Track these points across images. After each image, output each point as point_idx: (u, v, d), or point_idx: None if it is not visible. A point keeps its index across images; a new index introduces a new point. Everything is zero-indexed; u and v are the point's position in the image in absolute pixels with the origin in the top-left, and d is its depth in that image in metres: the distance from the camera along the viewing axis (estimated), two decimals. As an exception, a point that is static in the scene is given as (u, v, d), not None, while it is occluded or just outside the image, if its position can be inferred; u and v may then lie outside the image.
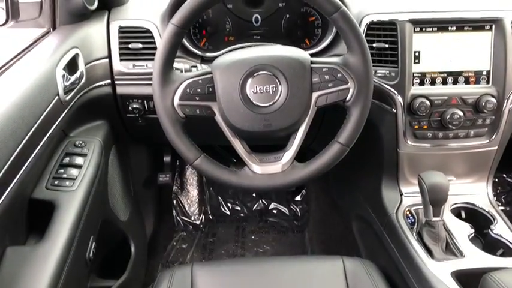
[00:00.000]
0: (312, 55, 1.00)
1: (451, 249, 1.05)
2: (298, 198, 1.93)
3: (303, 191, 1.92)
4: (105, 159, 1.19)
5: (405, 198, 1.21)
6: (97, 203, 1.07)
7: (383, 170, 1.24)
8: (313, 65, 0.93)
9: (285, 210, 1.92)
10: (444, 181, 1.04)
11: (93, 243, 1.05)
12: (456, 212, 1.20)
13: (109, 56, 1.17)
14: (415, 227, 1.12)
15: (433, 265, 0.99)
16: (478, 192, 1.24)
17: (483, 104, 1.13)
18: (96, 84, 1.16)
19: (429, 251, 1.04)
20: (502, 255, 1.06)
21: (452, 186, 1.21)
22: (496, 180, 1.98)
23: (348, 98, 0.94)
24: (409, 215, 1.16)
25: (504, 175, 2.00)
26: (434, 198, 1.04)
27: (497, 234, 1.11)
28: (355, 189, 1.44)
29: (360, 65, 0.92)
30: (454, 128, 1.14)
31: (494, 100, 1.13)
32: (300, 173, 0.95)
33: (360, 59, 0.92)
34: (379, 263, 1.08)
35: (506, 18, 1.12)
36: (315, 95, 0.93)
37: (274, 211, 1.93)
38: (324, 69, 0.93)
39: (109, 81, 1.18)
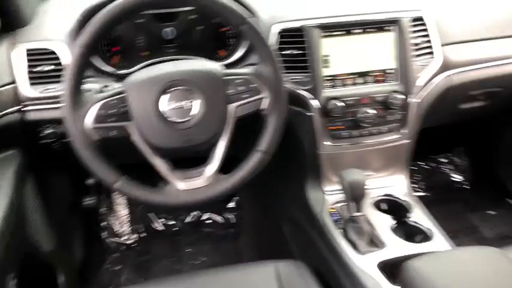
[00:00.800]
0: (227, 66, 1.01)
1: (375, 242, 1.10)
2: (231, 205, 1.94)
3: (236, 198, 1.93)
4: (20, 191, 1.13)
5: (328, 196, 1.25)
6: (13, 238, 1.01)
7: (306, 171, 1.28)
8: (226, 77, 0.95)
9: (219, 219, 1.92)
10: (361, 177, 1.09)
11: (14, 281, 0.99)
12: (377, 205, 1.26)
13: (15, 81, 1.10)
14: (340, 223, 1.16)
15: (358, 259, 1.03)
16: (397, 183, 1.31)
17: (391, 101, 1.19)
18: (3, 113, 1.10)
19: (355, 246, 1.08)
20: (421, 241, 1.13)
21: (372, 180, 1.29)
22: (416, 168, 2.11)
23: (264, 107, 0.96)
24: (334, 213, 1.20)
25: (421, 163, 2.13)
26: (354, 195, 1.09)
27: (414, 222, 1.18)
28: (283, 192, 1.47)
29: (272, 74, 0.95)
30: (367, 125, 1.20)
31: (401, 96, 1.20)
32: (225, 185, 0.96)
33: (271, 69, 0.94)
34: (312, 264, 1.11)
35: (404, 19, 1.20)
36: (231, 106, 0.95)
37: (209, 221, 1.92)
38: (237, 81, 0.95)
39: (17, 107, 1.11)
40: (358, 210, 1.10)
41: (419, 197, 1.95)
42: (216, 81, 0.93)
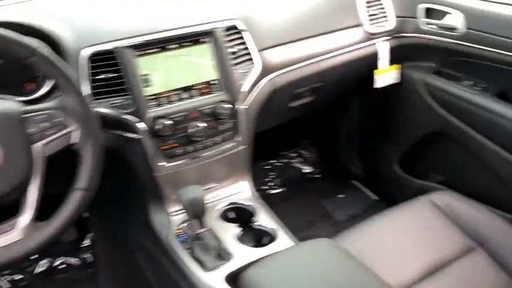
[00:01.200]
0: (35, 100, 0.91)
1: (223, 255, 1.09)
2: (86, 243, 1.80)
3: (90, 234, 1.80)
4: None
5: (174, 217, 1.22)
6: None
7: (147, 196, 1.23)
8: (25, 115, 0.85)
9: (74, 261, 1.77)
10: (198, 193, 1.08)
11: None
12: (225, 215, 1.26)
13: None
14: (186, 243, 1.13)
15: (206, 277, 1.02)
16: (241, 190, 1.32)
17: (219, 111, 1.19)
18: None
19: (202, 263, 1.06)
20: (268, 243, 1.16)
21: (216, 191, 1.29)
22: (269, 167, 2.18)
23: (75, 141, 0.89)
24: (181, 234, 1.17)
25: (273, 161, 2.21)
26: (194, 212, 1.07)
27: (259, 225, 1.20)
28: (130, 220, 1.40)
29: (77, 105, 0.88)
30: (200, 139, 1.19)
31: (228, 105, 1.21)
32: (45, 233, 0.87)
33: (75, 99, 0.87)
34: None
35: (217, 29, 1.21)
36: (36, 146, 0.86)
37: (63, 266, 1.76)
38: (39, 117, 0.86)
39: None
40: (202, 226, 1.08)
41: (276, 194, 2.07)
42: (11, 122, 0.83)
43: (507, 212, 1.44)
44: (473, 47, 1.41)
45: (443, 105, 1.52)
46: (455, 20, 1.44)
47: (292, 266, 0.84)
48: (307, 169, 2.22)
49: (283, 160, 2.24)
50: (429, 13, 1.54)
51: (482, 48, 1.39)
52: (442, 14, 1.49)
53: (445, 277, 1.10)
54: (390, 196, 1.86)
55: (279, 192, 2.09)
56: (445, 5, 1.47)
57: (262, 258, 0.95)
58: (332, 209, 1.99)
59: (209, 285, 0.99)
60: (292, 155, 2.26)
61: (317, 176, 2.20)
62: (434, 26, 1.52)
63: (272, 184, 2.12)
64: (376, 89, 1.66)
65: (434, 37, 1.52)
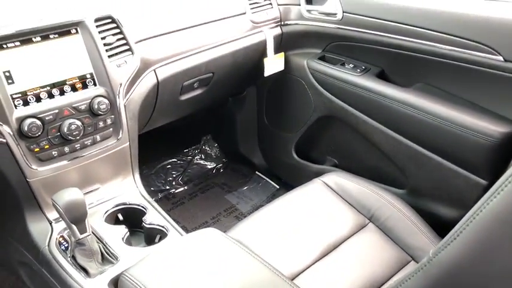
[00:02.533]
0: None
1: (108, 259, 1.02)
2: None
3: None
4: None
5: (56, 224, 1.12)
6: None
7: (22, 205, 1.12)
8: None
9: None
10: (78, 196, 0.99)
11: None
12: (114, 216, 1.19)
13: None
14: (69, 251, 1.05)
15: (89, 284, 0.94)
16: (129, 189, 1.26)
17: (96, 106, 1.12)
18: None
19: (86, 270, 0.99)
20: (159, 241, 1.11)
21: (101, 192, 1.21)
22: (170, 166, 2.12)
23: None
24: (62, 241, 1.08)
25: (175, 159, 2.15)
26: (73, 216, 0.98)
27: (151, 224, 1.14)
28: (9, 236, 1.27)
29: None
30: (77, 138, 1.11)
31: (106, 100, 1.13)
32: None
33: None
34: None
35: (87, 19, 1.13)
36: None
37: None
38: None
39: None
40: (83, 231, 1.01)
41: (180, 192, 2.02)
42: None
43: (396, 187, 1.51)
44: (351, 29, 1.46)
45: (329, 90, 1.57)
46: (333, 5, 1.49)
47: (174, 258, 0.80)
48: (210, 165, 2.18)
49: (186, 158, 2.19)
50: (310, 0, 1.57)
51: (359, 31, 1.44)
52: (322, 1, 1.53)
53: (340, 255, 1.13)
54: (291, 184, 1.89)
55: (182, 190, 2.03)
56: (324, -9, 1.51)
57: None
58: (236, 202, 1.98)
59: (92, 291, 0.92)
60: (195, 151, 2.22)
61: (220, 170, 2.18)
62: (315, 13, 1.56)
63: (174, 183, 2.06)
64: (268, 78, 1.67)
65: (316, 23, 1.56)
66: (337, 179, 1.32)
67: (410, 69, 1.43)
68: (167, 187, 2.04)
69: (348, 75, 1.49)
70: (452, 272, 0.54)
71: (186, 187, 2.06)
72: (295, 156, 1.83)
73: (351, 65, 1.53)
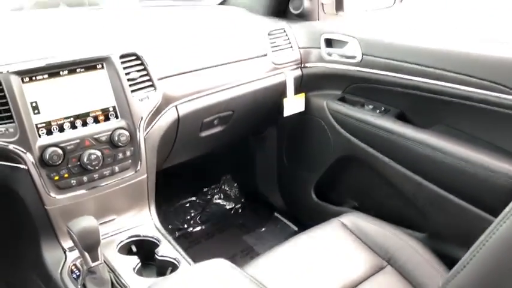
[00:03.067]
0: None
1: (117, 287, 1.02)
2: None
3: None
4: None
5: (70, 253, 1.13)
6: None
7: (38, 233, 1.14)
8: None
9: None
10: (92, 224, 1.01)
11: None
12: (127, 248, 1.19)
13: None
14: (80, 279, 1.05)
15: (97, 313, 0.94)
16: (144, 222, 1.26)
17: (116, 138, 1.15)
18: None
19: (95, 299, 0.99)
20: (170, 273, 1.10)
21: (117, 223, 1.22)
22: (188, 205, 2.13)
23: None
24: (74, 270, 1.08)
25: (193, 198, 2.16)
26: (87, 244, 0.99)
27: (162, 256, 1.14)
28: (23, 263, 1.28)
29: None
30: (96, 168, 1.13)
31: (126, 133, 1.16)
32: None
33: None
34: None
35: (113, 55, 1.18)
36: None
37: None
38: None
39: None
40: (95, 260, 1.01)
41: (197, 231, 2.01)
42: None
43: (416, 231, 1.47)
44: (370, 71, 1.48)
45: (348, 130, 1.57)
46: (353, 48, 1.52)
47: (181, 286, 0.79)
48: (228, 205, 2.18)
49: (205, 197, 2.19)
50: (331, 43, 1.61)
51: (378, 73, 1.46)
52: (342, 44, 1.57)
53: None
54: (309, 225, 1.86)
55: (200, 229, 2.03)
56: (344, 35, 1.54)
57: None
58: (253, 243, 1.95)
59: (100, 320, 0.91)
60: (214, 191, 2.22)
61: (239, 211, 2.17)
62: (335, 55, 1.59)
63: (192, 222, 2.05)
64: (288, 119, 1.69)
65: (336, 65, 1.59)
66: (355, 219, 1.30)
67: (430, 110, 1.42)
68: (185, 225, 2.03)
69: (368, 116, 1.49)
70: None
71: (203, 226, 2.05)
72: (314, 197, 1.81)
73: (371, 106, 1.54)
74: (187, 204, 2.14)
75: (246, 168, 2.12)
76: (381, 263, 1.19)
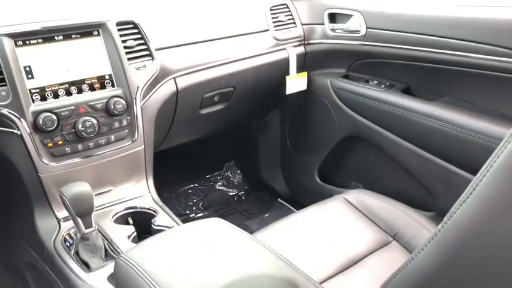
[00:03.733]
0: None
1: (111, 255, 0.98)
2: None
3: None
4: None
5: (64, 223, 1.10)
6: None
7: (31, 201, 1.10)
8: None
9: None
10: (85, 189, 0.97)
11: None
12: (124, 220, 1.15)
13: None
14: (73, 247, 1.01)
15: (89, 277, 0.90)
16: (142, 193, 1.23)
17: (112, 106, 1.12)
18: None
19: (87, 265, 0.95)
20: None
21: (113, 194, 1.19)
22: (190, 191, 2.09)
23: None
24: (68, 238, 1.05)
25: (196, 184, 2.12)
26: (79, 209, 0.96)
27: (158, 225, 1.10)
28: (17, 235, 1.25)
29: None
30: (91, 136, 1.10)
31: (122, 101, 1.13)
32: None
33: None
34: None
35: (110, 22, 1.15)
36: None
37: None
38: None
39: None
40: (88, 226, 0.98)
41: (199, 217, 1.97)
42: None
43: (421, 209, 1.42)
44: (375, 45, 1.44)
45: (353, 108, 1.53)
46: (357, 22, 1.48)
47: (177, 240, 0.75)
48: (231, 191, 2.14)
49: (208, 183, 2.15)
50: (334, 19, 1.57)
51: (383, 46, 1.42)
52: (345, 18, 1.53)
53: (361, 270, 1.05)
54: (313, 209, 1.81)
55: (202, 215, 1.99)
56: (347, 9, 1.50)
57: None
58: (257, 228, 1.89)
59: (89, 285, 0.88)
60: (217, 177, 2.19)
61: (242, 197, 2.13)
62: (339, 31, 1.55)
63: (195, 208, 2.02)
64: (291, 101, 1.65)
65: (340, 41, 1.55)
66: (360, 196, 1.26)
67: (436, 83, 1.38)
68: (187, 211, 2.00)
69: (372, 91, 1.45)
70: (470, 232, 0.47)
71: (206, 212, 2.01)
72: (318, 180, 1.77)
73: (375, 82, 1.50)
74: (190, 191, 2.10)
75: (249, 155, 2.09)
76: (386, 238, 1.14)
